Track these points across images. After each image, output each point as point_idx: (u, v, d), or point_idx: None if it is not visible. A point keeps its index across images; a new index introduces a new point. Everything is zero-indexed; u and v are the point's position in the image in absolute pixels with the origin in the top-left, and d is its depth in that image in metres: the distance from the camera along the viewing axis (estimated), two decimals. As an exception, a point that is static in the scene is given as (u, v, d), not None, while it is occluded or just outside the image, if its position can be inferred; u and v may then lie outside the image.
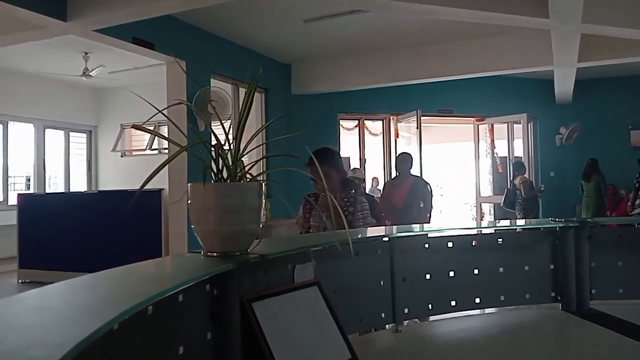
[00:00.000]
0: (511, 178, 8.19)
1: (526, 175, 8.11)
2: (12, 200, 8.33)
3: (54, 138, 9.71)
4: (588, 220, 2.18)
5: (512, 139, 9.08)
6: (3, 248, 7.59)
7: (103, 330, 0.77)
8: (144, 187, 1.27)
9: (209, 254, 1.36)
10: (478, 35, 6.79)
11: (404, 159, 5.88)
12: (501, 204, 8.07)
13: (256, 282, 1.42)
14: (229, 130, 1.38)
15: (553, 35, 5.76)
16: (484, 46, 6.97)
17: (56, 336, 0.74)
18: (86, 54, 7.52)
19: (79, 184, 10.03)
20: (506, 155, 9.18)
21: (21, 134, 9.15)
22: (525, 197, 7.57)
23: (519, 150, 9.09)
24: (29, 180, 9.28)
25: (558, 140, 9.26)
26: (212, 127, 1.48)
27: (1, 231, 7.75)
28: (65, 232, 6.90)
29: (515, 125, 8.95)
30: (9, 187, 8.83)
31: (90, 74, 7.88)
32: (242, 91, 6.59)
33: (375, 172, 9.52)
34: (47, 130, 9.49)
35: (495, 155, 9.32)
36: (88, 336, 0.71)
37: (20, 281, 7.06)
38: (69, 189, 9.72)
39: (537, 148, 9.28)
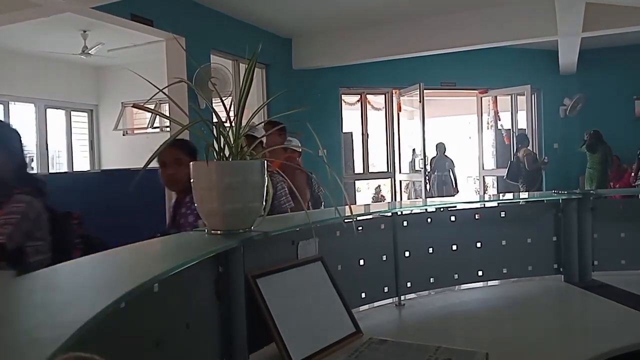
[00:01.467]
0: (514, 151, 8.16)
1: (529, 147, 8.07)
2: (17, 180, 8.34)
3: (56, 118, 9.68)
4: (591, 192, 2.18)
5: (515, 111, 9.01)
6: (9, 228, 7.64)
7: (110, 309, 0.78)
8: (148, 166, 1.27)
9: (212, 232, 1.37)
10: (480, 5, 6.67)
11: (270, 130, 3.70)
12: (505, 177, 8.05)
13: (260, 258, 1.43)
14: (230, 108, 1.38)
15: (557, 5, 5.66)
16: (486, 17, 6.85)
17: (63, 316, 0.75)
18: (85, 31, 7.43)
19: (82, 164, 10.04)
20: (509, 127, 9.13)
21: (22, 114, 9.12)
22: (528, 169, 7.55)
23: (522, 123, 9.02)
24: (32, 160, 9.28)
25: (562, 111, 9.18)
26: (213, 105, 1.47)
27: (7, 211, 7.79)
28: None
29: (518, 97, 8.87)
30: (12, 167, 8.84)
31: (90, 52, 7.80)
32: (243, 67, 6.51)
33: (378, 147, 9.47)
34: (48, 110, 9.45)
35: (500, 127, 9.26)
36: (95, 315, 0.72)
37: (27, 260, 7.13)
38: (73, 169, 9.74)
39: (540, 120, 9.20)
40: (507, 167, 8.04)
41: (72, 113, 9.94)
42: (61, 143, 9.82)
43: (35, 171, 8.93)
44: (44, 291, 0.91)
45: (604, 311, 1.79)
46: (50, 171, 9.12)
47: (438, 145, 9.62)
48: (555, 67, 8.77)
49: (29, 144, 9.05)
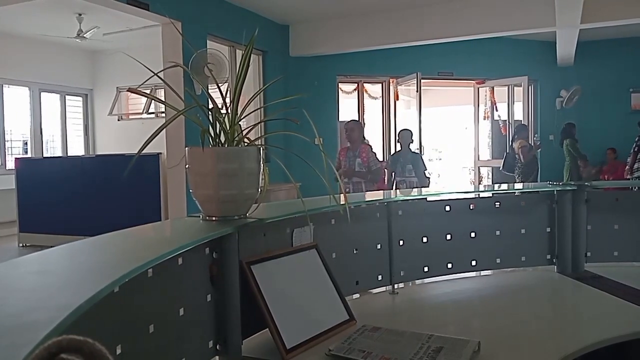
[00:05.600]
0: (511, 141, 8.17)
1: (529, 137, 8.09)
2: (10, 164, 8.31)
3: (50, 102, 9.61)
4: (586, 184, 2.19)
5: (512, 102, 9.01)
6: (3, 212, 7.63)
7: (104, 293, 0.78)
8: (142, 152, 1.26)
9: (207, 218, 1.36)
10: (480, -5, 6.66)
11: None
12: (500, 168, 8.07)
13: (255, 245, 1.43)
14: (226, 94, 1.37)
15: (556, -5, 5.64)
16: (485, 7, 6.82)
17: (57, 299, 0.75)
18: (80, 14, 7.36)
19: (76, 148, 9.99)
20: (506, 118, 9.12)
21: (17, 97, 9.05)
22: (524, 162, 7.56)
23: (518, 114, 9.03)
24: (26, 144, 9.24)
25: (558, 103, 9.19)
26: (210, 91, 1.46)
27: (0, 195, 7.77)
28: (65, 196, 6.92)
29: (515, 88, 8.86)
30: (6, 151, 8.80)
31: (85, 35, 7.73)
32: (239, 53, 6.48)
33: (375, 136, 9.43)
34: (42, 94, 9.38)
35: (498, 117, 9.26)
36: (89, 299, 0.72)
37: (20, 245, 7.12)
38: (67, 153, 9.69)
39: (537, 111, 9.21)
40: (503, 158, 8.05)
41: (67, 97, 9.87)
42: (55, 127, 9.76)
43: (29, 155, 8.90)
44: (38, 275, 0.90)
45: (596, 302, 1.80)
46: (44, 155, 9.08)
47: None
48: (552, 59, 8.77)
49: (23, 128, 9.03)
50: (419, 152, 6.49)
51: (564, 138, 8.32)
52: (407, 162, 5.95)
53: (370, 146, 5.62)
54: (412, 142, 6.16)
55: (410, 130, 6.26)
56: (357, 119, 5.93)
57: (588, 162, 8.37)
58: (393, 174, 5.84)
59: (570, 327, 1.63)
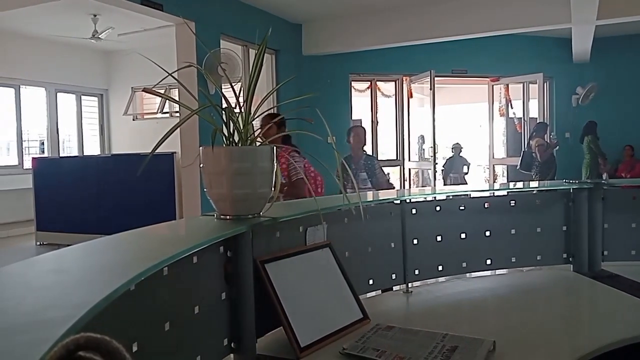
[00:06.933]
0: (527, 139, 8.08)
1: (546, 136, 8.00)
2: (27, 164, 8.43)
3: (66, 102, 9.73)
4: (602, 181, 2.16)
5: (527, 99, 8.91)
6: (20, 211, 7.74)
7: (120, 292, 0.78)
8: (156, 151, 1.27)
9: (222, 216, 1.37)
10: (494, -9, 6.59)
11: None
12: (518, 167, 7.98)
13: (269, 244, 1.43)
14: (239, 93, 1.37)
15: (572, -9, 5.57)
16: (499, 3, 6.75)
17: (74, 297, 0.76)
18: (95, 15, 7.44)
19: (92, 148, 10.10)
20: (521, 116, 9.02)
21: (33, 98, 9.17)
22: (541, 161, 7.47)
23: (534, 111, 8.93)
24: (43, 144, 9.36)
25: (574, 100, 9.07)
26: (223, 90, 1.46)
27: (18, 194, 7.89)
28: (81, 195, 7.01)
29: (530, 85, 8.77)
30: (23, 151, 8.92)
31: (100, 36, 7.81)
32: (252, 53, 6.49)
33: (388, 134, 9.39)
34: (58, 94, 9.50)
35: (513, 115, 9.17)
36: (105, 297, 0.73)
37: (38, 243, 7.22)
38: (83, 153, 9.81)
39: (552, 109, 9.10)
40: (521, 156, 7.96)
41: (83, 97, 9.98)
42: (72, 127, 9.88)
43: (46, 154, 9.02)
44: (55, 273, 0.91)
45: (613, 301, 1.78)
46: (61, 155, 9.20)
47: (454, 146, 9.88)
48: (568, 55, 8.65)
49: (40, 128, 9.15)
50: (373, 154, 5.07)
51: (586, 134, 8.26)
52: (360, 169, 4.49)
53: (295, 149, 3.56)
54: (365, 144, 4.60)
55: (363, 128, 4.72)
56: (276, 113, 3.77)
57: (607, 160, 8.28)
58: (344, 184, 4.43)
59: (587, 326, 1.61)
